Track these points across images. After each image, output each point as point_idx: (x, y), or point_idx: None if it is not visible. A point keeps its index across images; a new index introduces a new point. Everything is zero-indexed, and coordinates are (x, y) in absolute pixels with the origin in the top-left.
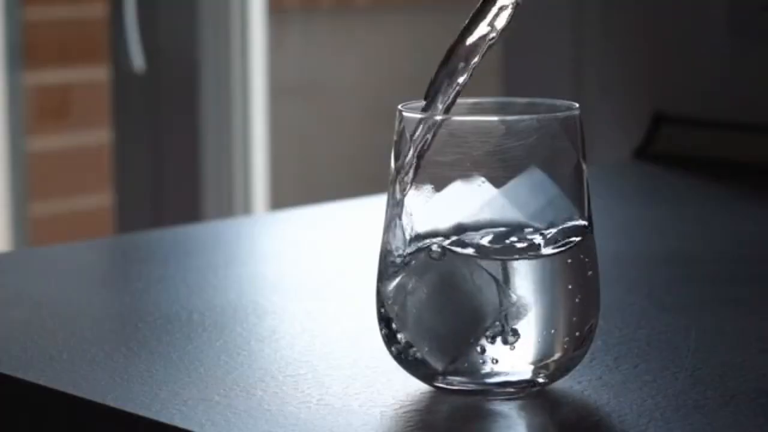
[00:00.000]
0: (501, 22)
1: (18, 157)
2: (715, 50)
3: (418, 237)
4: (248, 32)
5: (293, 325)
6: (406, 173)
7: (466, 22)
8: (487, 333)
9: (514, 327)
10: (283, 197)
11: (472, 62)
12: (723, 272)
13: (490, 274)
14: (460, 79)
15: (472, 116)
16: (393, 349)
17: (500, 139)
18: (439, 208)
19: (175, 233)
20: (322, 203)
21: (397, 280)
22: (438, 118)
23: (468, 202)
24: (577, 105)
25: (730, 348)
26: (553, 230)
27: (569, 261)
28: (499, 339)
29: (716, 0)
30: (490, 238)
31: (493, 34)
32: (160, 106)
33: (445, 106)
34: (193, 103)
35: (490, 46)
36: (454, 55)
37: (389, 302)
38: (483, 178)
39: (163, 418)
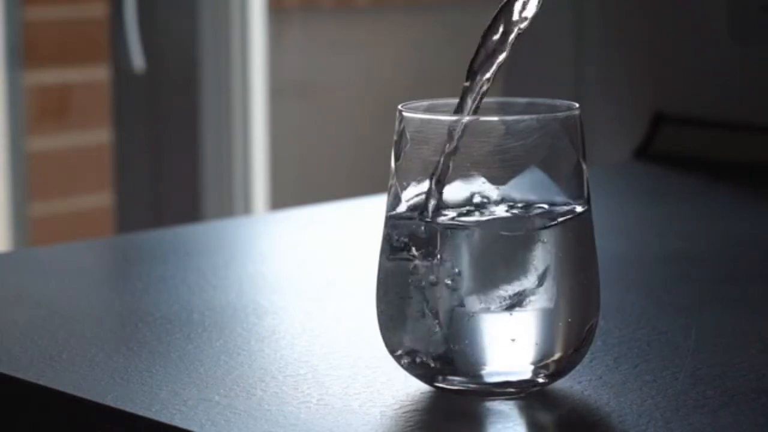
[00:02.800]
0: (531, 10)
1: (18, 157)
2: (715, 50)
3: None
4: (248, 32)
5: (293, 325)
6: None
7: (498, 9)
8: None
9: None
10: (283, 197)
11: (509, 40)
12: (723, 272)
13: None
14: (500, 57)
15: (472, 116)
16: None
17: (500, 139)
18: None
19: (175, 233)
20: (322, 203)
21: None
22: (462, 119)
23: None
24: (577, 105)
25: (730, 348)
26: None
27: (570, 260)
28: None
29: (716, 0)
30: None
31: (524, 23)
32: (160, 106)
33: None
34: (193, 103)
35: (520, 32)
36: (489, 38)
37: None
38: (483, 178)
39: (163, 418)
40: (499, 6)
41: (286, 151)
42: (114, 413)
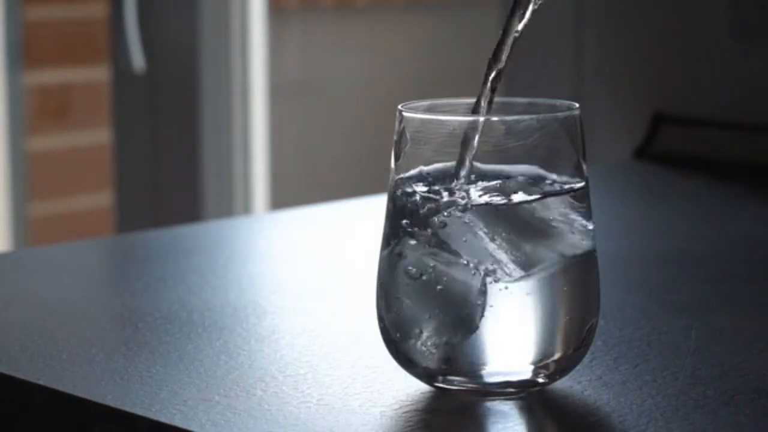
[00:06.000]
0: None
1: (18, 157)
2: (715, 50)
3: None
4: (248, 32)
5: (293, 325)
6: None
7: None
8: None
9: None
10: (283, 197)
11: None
12: (723, 272)
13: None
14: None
15: (473, 116)
16: (391, 344)
17: (500, 139)
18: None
19: (175, 233)
20: (322, 203)
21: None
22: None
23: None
24: (577, 105)
25: (730, 348)
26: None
27: (570, 260)
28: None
29: (716, 0)
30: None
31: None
32: (160, 106)
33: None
34: (193, 103)
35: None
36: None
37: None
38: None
39: (163, 418)
40: None
41: (286, 151)
42: (114, 413)
